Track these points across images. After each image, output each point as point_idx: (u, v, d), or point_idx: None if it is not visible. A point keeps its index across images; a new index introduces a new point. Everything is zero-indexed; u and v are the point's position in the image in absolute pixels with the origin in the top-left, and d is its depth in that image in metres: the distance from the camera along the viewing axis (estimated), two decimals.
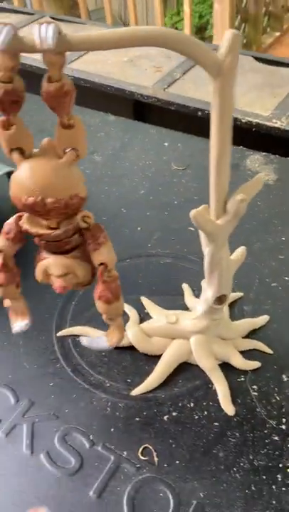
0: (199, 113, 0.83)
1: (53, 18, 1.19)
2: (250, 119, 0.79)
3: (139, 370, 0.45)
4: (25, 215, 0.34)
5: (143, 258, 0.56)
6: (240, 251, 0.42)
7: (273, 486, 0.37)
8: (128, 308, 0.49)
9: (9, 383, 0.44)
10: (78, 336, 0.48)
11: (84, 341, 0.41)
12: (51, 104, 0.29)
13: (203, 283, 0.42)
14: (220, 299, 0.41)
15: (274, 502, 0.36)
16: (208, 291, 0.41)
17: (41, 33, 0.26)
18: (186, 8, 1.97)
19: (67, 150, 0.31)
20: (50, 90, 0.29)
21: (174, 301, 0.50)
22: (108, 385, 0.44)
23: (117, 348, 0.47)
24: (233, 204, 0.34)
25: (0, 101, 0.29)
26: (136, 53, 1.02)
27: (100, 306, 0.36)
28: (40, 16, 1.19)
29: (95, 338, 0.40)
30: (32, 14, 1.22)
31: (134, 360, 0.46)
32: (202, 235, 0.37)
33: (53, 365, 0.46)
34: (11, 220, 0.34)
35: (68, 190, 0.31)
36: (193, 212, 0.34)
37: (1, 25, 0.27)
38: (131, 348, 0.46)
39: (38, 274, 0.36)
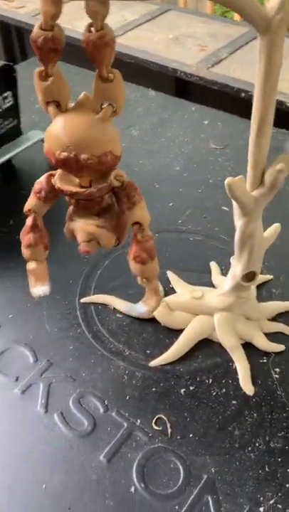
0: (243, 94, 0.81)
1: None
2: None
3: (159, 342, 0.44)
4: (58, 172, 0.33)
5: (173, 233, 0.55)
6: (274, 228, 0.41)
7: (288, 469, 0.36)
8: None
9: (30, 343, 0.45)
10: (101, 304, 0.48)
11: (123, 308, 0.40)
12: (91, 54, 0.29)
13: (233, 259, 0.41)
14: (248, 276, 0.40)
15: (287, 485, 0.35)
16: (237, 267, 0.40)
17: None
18: None
19: (104, 105, 0.30)
20: (91, 39, 0.28)
21: (201, 278, 0.49)
22: (127, 353, 0.44)
23: (138, 319, 0.46)
24: (271, 174, 0.33)
25: (38, 48, 0.29)
26: (182, 32, 1.00)
27: (134, 267, 0.35)
28: None
29: (133, 305, 0.40)
30: None
31: (155, 333, 0.45)
32: (235, 207, 0.36)
33: (74, 329, 0.46)
34: (42, 178, 0.34)
35: (103, 147, 0.30)
36: (228, 180, 0.33)
37: None
38: (153, 320, 0.46)
39: (67, 232, 0.36)
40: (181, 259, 0.52)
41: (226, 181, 0.33)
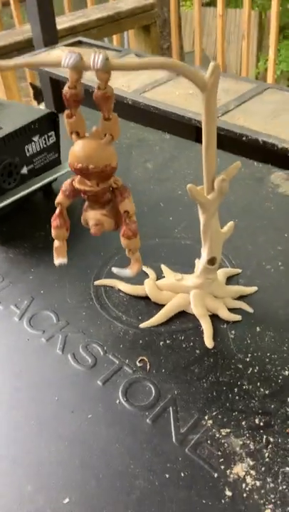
0: (244, 138, 0.98)
1: (137, 55, 1.40)
2: (285, 146, 0.92)
3: (149, 312, 0.60)
4: (77, 177, 0.50)
5: (169, 239, 0.71)
6: (229, 225, 0.56)
7: (230, 395, 0.50)
8: (149, 271, 0.64)
9: (55, 309, 0.61)
10: (110, 286, 0.64)
11: (114, 270, 0.55)
12: (98, 103, 0.46)
13: (202, 249, 0.56)
14: (211, 261, 0.55)
15: (227, 404, 0.49)
16: (203, 254, 0.55)
17: (94, 58, 0.43)
18: (271, 54, 2.16)
19: (106, 134, 0.47)
20: (97, 94, 0.45)
21: (186, 271, 0.64)
22: (124, 318, 0.59)
23: (135, 296, 0.62)
24: (217, 182, 0.49)
25: (67, 100, 0.46)
26: None
27: (123, 241, 0.51)
28: (125, 53, 1.40)
29: (121, 269, 0.55)
30: (120, 51, 1.44)
31: (147, 306, 0.60)
32: (198, 207, 0.52)
33: (87, 302, 0.62)
34: (68, 181, 0.51)
35: (104, 161, 0.47)
36: (189, 186, 0.49)
37: (72, 53, 0.44)
38: (146, 298, 0.61)
39: (82, 220, 0.52)
40: (174, 257, 0.68)
41: (187, 187, 0.49)
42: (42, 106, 1.93)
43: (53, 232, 0.53)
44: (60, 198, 0.52)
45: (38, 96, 2.09)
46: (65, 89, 0.46)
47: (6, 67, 0.48)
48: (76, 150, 0.47)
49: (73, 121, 0.47)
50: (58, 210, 0.52)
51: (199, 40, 2.32)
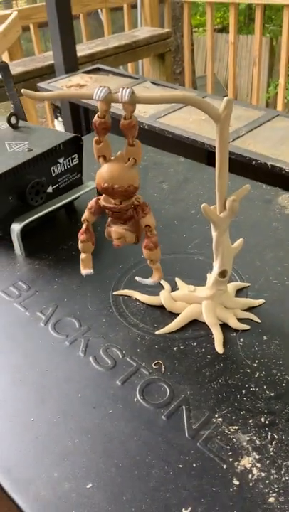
0: (253, 162, 1.04)
1: (152, 83, 1.48)
2: None
3: (164, 321, 0.65)
4: (102, 196, 0.56)
5: (183, 254, 0.76)
6: (239, 241, 0.61)
7: (238, 396, 0.54)
8: (164, 283, 0.70)
9: (77, 316, 0.66)
10: (128, 296, 0.69)
11: (137, 278, 0.61)
12: (124, 131, 0.52)
13: (214, 262, 0.61)
14: (222, 274, 0.60)
15: (236, 404, 0.53)
16: (215, 267, 0.60)
17: (122, 93, 0.49)
18: (282, 80, 2.24)
19: (130, 158, 0.53)
20: (124, 124, 0.51)
21: (198, 284, 0.69)
22: (141, 325, 0.64)
23: (152, 306, 0.67)
24: (228, 202, 0.54)
25: (96, 128, 0.52)
26: None
27: (145, 252, 0.57)
28: (142, 81, 1.48)
29: (144, 279, 0.60)
30: (136, 79, 1.52)
31: (162, 315, 0.66)
32: (211, 225, 0.57)
33: (107, 310, 0.67)
34: (93, 200, 0.57)
35: (127, 182, 0.53)
36: (203, 205, 0.54)
37: (103, 87, 0.50)
38: (162, 308, 0.66)
39: (106, 234, 0.58)
40: (187, 271, 0.73)
41: (202, 206, 0.55)
42: (59, 124, 2.02)
43: (80, 246, 0.58)
44: (86, 215, 0.58)
45: (57, 113, 2.19)
46: (95, 119, 0.52)
47: (42, 98, 0.54)
48: (103, 172, 0.53)
49: (101, 146, 0.53)
50: (84, 226, 0.58)
51: (211, 66, 2.41)
